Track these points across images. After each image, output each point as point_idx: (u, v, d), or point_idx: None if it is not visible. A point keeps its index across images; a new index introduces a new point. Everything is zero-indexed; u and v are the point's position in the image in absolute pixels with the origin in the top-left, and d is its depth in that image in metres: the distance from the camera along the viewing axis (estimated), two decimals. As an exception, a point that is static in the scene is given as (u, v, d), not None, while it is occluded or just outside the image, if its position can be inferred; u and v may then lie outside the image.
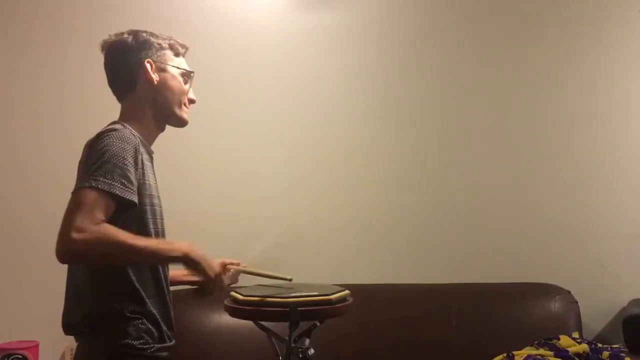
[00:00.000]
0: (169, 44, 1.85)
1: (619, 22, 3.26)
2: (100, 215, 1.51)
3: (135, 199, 1.60)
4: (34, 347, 2.70)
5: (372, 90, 3.14)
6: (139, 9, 2.98)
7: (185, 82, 1.86)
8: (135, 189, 1.61)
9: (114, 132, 1.63)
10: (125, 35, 1.81)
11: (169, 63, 1.82)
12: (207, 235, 3.03)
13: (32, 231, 2.86)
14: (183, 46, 1.89)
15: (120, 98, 1.83)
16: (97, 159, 1.57)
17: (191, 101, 1.89)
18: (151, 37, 1.82)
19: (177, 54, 1.86)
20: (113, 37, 1.82)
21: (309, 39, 3.13)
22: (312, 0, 3.14)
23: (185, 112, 1.87)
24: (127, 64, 1.79)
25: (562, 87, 3.24)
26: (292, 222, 3.08)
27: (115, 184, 1.55)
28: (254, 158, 3.10)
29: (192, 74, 1.88)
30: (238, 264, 2.07)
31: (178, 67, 1.83)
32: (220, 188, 3.07)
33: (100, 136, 1.63)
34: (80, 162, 1.69)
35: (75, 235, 1.46)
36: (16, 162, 2.94)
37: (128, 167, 1.59)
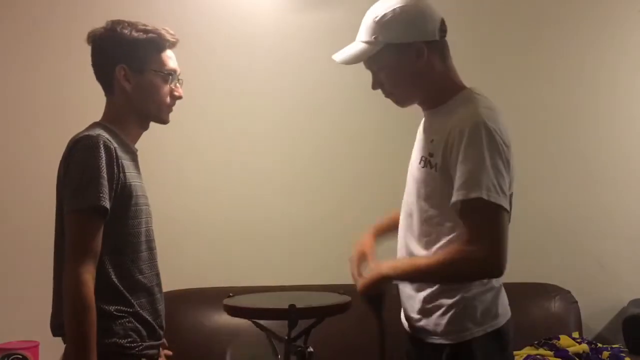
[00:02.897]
0: (149, 40, 1.72)
1: (620, 22, 3.26)
2: (95, 253, 1.61)
3: (108, 206, 1.62)
4: (34, 347, 2.70)
5: (373, 90, 3.13)
6: (138, 8, 2.97)
7: (166, 81, 1.75)
8: (109, 196, 1.62)
9: (89, 141, 1.63)
10: (106, 31, 1.74)
11: (145, 63, 1.72)
12: (203, 237, 3.04)
13: (32, 231, 2.85)
14: (167, 39, 1.74)
15: (104, 93, 1.81)
16: (78, 175, 1.61)
17: (177, 97, 1.80)
18: (130, 32, 1.71)
19: (159, 50, 1.73)
20: (96, 31, 1.76)
21: (307, 38, 3.12)
22: (313, 0, 3.14)
23: (165, 112, 1.79)
24: (103, 65, 1.75)
25: (564, 86, 3.24)
26: (292, 223, 3.08)
27: (102, 195, 1.60)
28: (252, 158, 3.10)
29: (172, 74, 1.76)
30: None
31: (155, 70, 1.73)
32: (217, 189, 3.07)
33: (76, 145, 1.64)
34: (61, 163, 1.69)
35: (76, 279, 1.58)
36: (15, 162, 2.94)
37: (104, 176, 1.61)
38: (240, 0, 3.10)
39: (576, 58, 3.25)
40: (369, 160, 3.14)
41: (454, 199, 1.54)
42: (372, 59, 1.67)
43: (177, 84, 1.80)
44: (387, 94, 1.75)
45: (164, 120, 1.81)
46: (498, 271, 1.53)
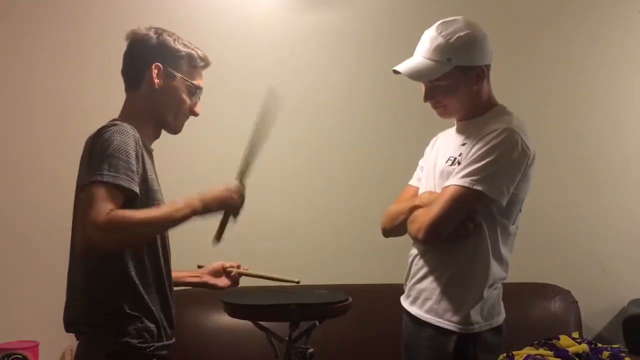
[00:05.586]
0: (188, 54, 1.83)
1: (620, 22, 3.26)
2: (110, 205, 1.56)
3: (137, 190, 1.62)
4: (34, 347, 2.70)
5: (372, 90, 3.13)
6: (139, 7, 2.97)
7: (191, 95, 1.85)
8: (137, 180, 1.63)
9: (115, 127, 1.65)
10: (150, 33, 1.81)
11: (178, 72, 1.81)
12: (202, 236, 3.04)
13: (32, 231, 2.85)
14: (203, 60, 1.86)
15: (126, 89, 1.84)
16: (100, 152, 1.60)
17: (193, 113, 1.88)
18: (173, 42, 1.81)
19: (193, 66, 1.84)
20: (139, 30, 1.82)
21: (307, 38, 3.12)
22: (312, 0, 3.14)
23: (180, 122, 1.86)
24: (138, 60, 1.80)
25: (563, 86, 3.24)
26: (291, 222, 3.08)
27: (121, 175, 1.58)
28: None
29: (198, 90, 1.86)
30: (238, 267, 2.06)
31: (185, 80, 1.82)
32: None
33: (101, 130, 1.66)
34: (83, 157, 1.69)
35: (91, 230, 1.52)
36: (15, 162, 2.94)
37: (130, 160, 1.62)
38: (240, 0, 3.10)
39: (576, 58, 3.24)
40: (370, 159, 3.14)
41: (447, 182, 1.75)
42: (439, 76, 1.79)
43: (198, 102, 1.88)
44: (438, 106, 1.87)
45: (176, 130, 1.87)
46: (422, 234, 1.76)
